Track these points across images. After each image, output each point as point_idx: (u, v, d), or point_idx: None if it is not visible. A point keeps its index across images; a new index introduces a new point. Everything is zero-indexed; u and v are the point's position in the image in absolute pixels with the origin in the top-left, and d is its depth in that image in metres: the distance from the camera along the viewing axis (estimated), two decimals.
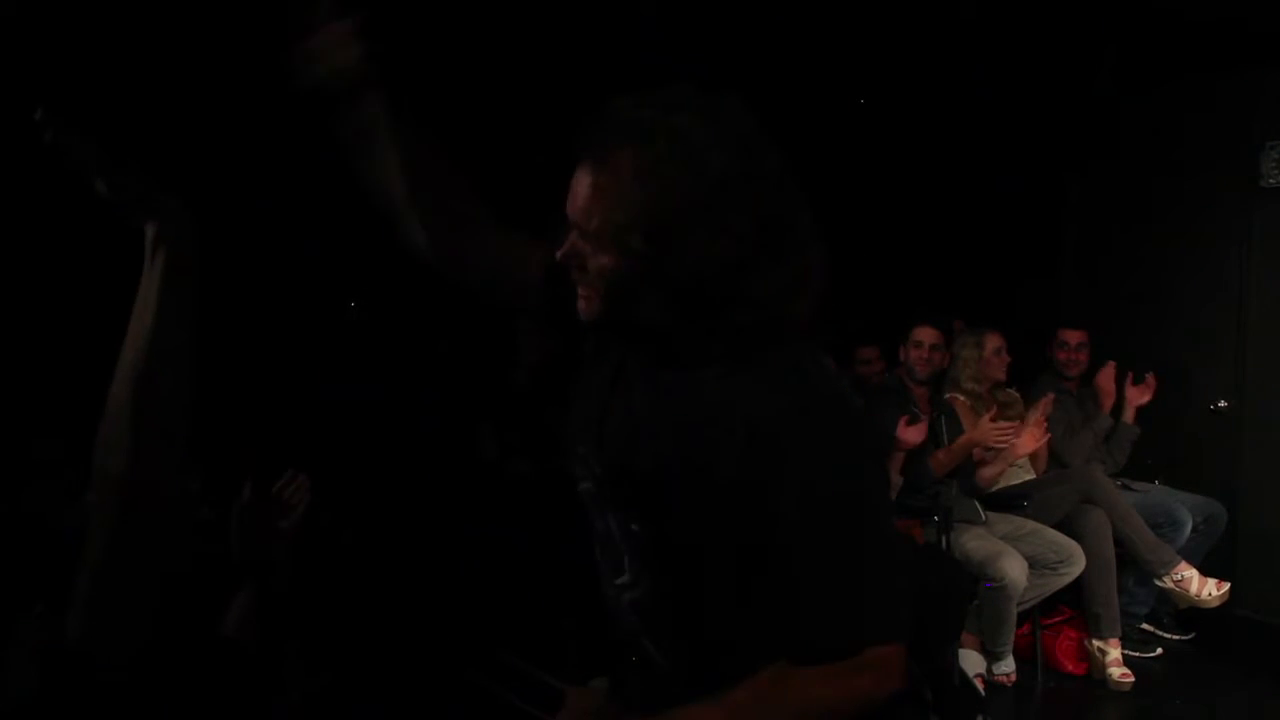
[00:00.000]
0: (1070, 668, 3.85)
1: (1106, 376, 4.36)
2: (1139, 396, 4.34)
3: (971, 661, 3.58)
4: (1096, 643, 3.76)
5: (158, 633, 1.05)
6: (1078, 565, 3.69)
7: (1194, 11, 4.29)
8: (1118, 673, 3.68)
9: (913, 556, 3.32)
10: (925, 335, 4.04)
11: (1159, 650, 4.09)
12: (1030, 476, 4.16)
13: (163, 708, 1.08)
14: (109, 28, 2.67)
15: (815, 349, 1.15)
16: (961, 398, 4.09)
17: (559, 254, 1.13)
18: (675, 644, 1.19)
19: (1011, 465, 4.06)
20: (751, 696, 1.07)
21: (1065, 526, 3.82)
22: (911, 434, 3.75)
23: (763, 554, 1.07)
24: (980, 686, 3.53)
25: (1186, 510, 4.04)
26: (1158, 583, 3.83)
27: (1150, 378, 4.37)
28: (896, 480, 3.78)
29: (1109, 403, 4.34)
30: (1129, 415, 4.35)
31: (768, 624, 1.08)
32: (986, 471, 3.94)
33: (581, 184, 1.09)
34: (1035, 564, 3.64)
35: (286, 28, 1.20)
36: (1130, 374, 4.38)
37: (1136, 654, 3.95)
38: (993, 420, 3.83)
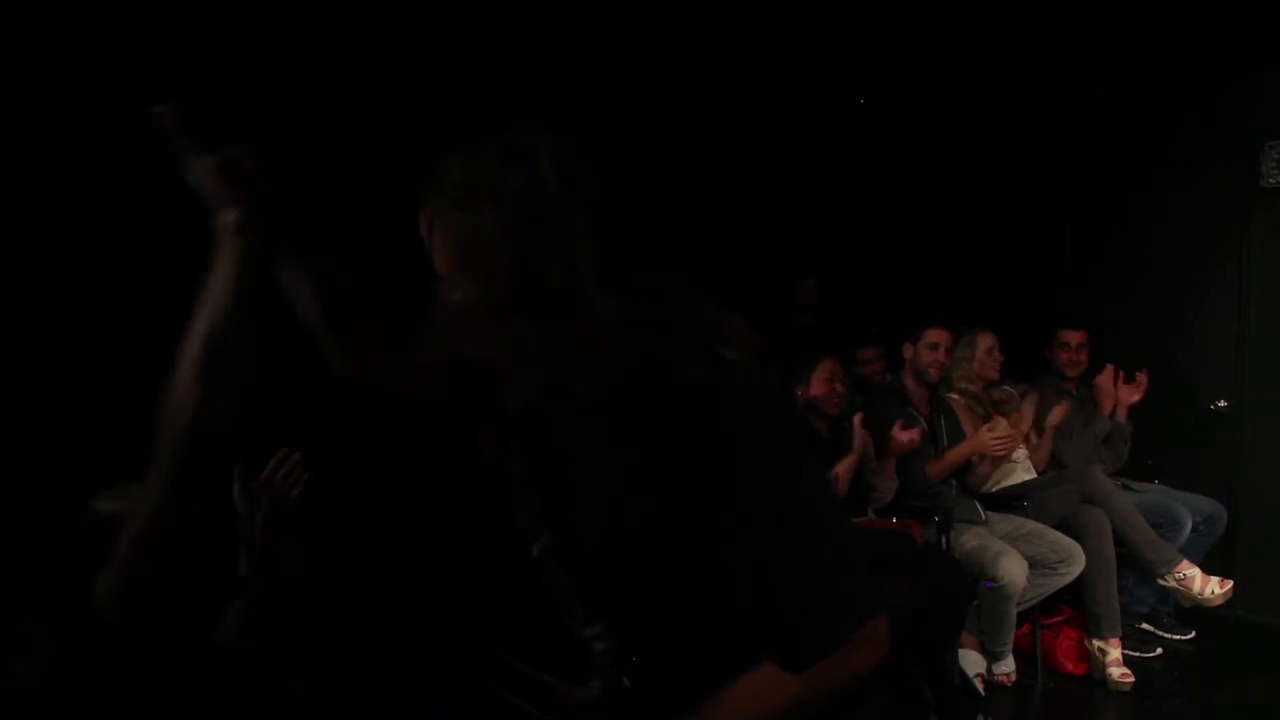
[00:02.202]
0: (1070, 668, 3.85)
1: (1106, 378, 4.39)
2: (1130, 395, 4.38)
3: (971, 661, 3.59)
4: (1096, 643, 3.76)
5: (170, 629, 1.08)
6: (1078, 565, 3.69)
7: (1194, 12, 4.30)
8: (1118, 673, 3.69)
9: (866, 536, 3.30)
10: (940, 337, 4.02)
11: (1159, 650, 4.09)
12: (1030, 476, 4.16)
13: (170, 704, 1.09)
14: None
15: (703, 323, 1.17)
16: (957, 398, 4.10)
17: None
18: (651, 674, 1.20)
19: (1010, 463, 4.08)
20: (751, 691, 1.09)
21: (1065, 526, 3.82)
22: (905, 436, 3.70)
23: (725, 566, 1.08)
24: (980, 686, 3.54)
25: (1186, 510, 4.04)
26: (1160, 581, 3.84)
27: (1141, 375, 4.39)
28: (893, 482, 3.78)
29: (1108, 404, 4.36)
30: (1122, 414, 4.38)
31: (745, 635, 1.08)
32: (980, 470, 3.96)
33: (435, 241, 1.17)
34: (1035, 564, 3.64)
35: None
36: (1121, 373, 4.40)
37: (1136, 654, 3.95)
38: (990, 426, 3.84)
